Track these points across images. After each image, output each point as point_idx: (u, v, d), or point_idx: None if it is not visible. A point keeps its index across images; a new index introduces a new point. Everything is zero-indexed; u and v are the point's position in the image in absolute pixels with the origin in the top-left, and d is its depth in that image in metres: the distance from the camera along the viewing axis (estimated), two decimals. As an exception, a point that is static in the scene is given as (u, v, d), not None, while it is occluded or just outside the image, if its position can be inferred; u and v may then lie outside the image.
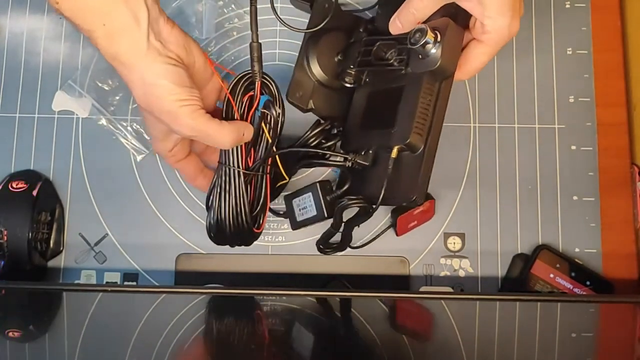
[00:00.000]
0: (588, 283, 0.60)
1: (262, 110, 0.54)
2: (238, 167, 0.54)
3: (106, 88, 0.63)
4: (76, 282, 0.61)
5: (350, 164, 0.54)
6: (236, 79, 0.54)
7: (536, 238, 0.62)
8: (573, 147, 0.63)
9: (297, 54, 0.57)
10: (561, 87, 0.64)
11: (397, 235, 0.61)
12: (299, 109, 0.57)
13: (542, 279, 0.60)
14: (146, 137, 0.63)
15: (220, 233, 0.56)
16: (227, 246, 0.59)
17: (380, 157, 0.53)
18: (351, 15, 0.58)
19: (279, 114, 0.54)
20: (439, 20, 0.49)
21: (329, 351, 0.49)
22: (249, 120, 0.54)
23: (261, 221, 0.57)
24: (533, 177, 0.63)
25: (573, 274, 0.60)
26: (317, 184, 0.56)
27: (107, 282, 0.61)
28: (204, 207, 0.62)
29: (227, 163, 0.54)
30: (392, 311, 0.57)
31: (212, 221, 0.55)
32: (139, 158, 0.63)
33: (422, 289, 0.61)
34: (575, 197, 0.63)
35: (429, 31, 0.48)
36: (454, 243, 0.62)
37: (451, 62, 0.49)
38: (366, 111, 0.56)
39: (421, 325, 0.56)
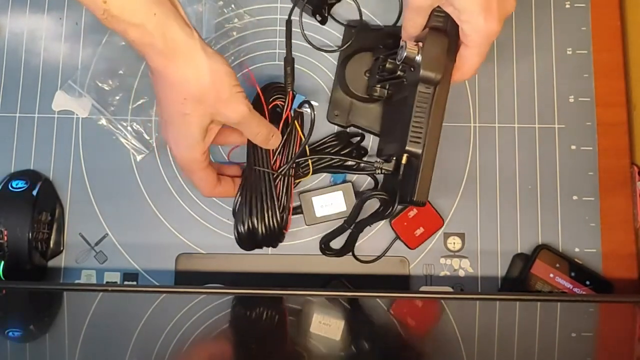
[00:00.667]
0: (588, 283, 0.60)
1: (297, 110, 0.57)
2: (269, 168, 0.56)
3: (106, 88, 0.63)
4: (76, 282, 0.61)
5: (379, 171, 0.57)
6: (264, 86, 0.57)
7: (536, 238, 0.62)
8: (573, 147, 0.63)
9: (298, 54, 0.60)
10: (561, 87, 0.64)
11: (410, 248, 0.62)
12: (339, 126, 0.63)
13: (542, 278, 0.60)
14: (146, 137, 0.63)
15: (251, 237, 0.57)
16: (230, 245, 0.60)
17: (399, 164, 0.56)
18: (376, 32, 0.62)
19: (314, 115, 0.57)
20: (423, 32, 0.52)
21: (329, 351, 0.49)
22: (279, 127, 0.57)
23: (287, 221, 0.58)
24: (533, 177, 0.63)
25: (573, 274, 0.60)
26: (351, 183, 0.61)
27: (107, 282, 0.61)
28: (204, 207, 0.62)
29: (258, 164, 0.56)
30: (391, 310, 0.57)
31: (243, 226, 0.56)
32: (138, 158, 0.63)
33: (422, 288, 0.61)
34: (575, 197, 0.63)
35: (407, 45, 0.51)
36: (454, 243, 0.62)
37: (434, 68, 0.51)
38: (386, 121, 0.60)
39: (420, 325, 0.56)
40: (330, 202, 0.61)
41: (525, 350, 0.48)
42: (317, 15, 0.63)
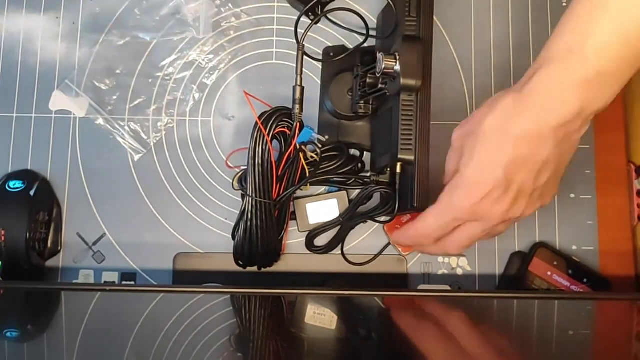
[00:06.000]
0: (585, 281, 0.60)
1: (301, 145, 0.57)
2: (269, 199, 0.56)
3: (103, 88, 0.63)
4: (74, 281, 0.61)
5: (374, 185, 0.58)
6: (270, 112, 0.56)
7: (533, 236, 0.62)
8: (570, 145, 0.63)
9: (293, 53, 0.60)
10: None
11: (402, 254, 0.62)
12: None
13: (539, 276, 0.60)
14: (143, 136, 0.63)
15: (249, 260, 0.59)
16: (228, 244, 0.60)
17: (394, 173, 0.56)
18: (354, 52, 0.62)
19: (319, 152, 0.59)
20: (397, 42, 0.54)
21: (329, 351, 0.49)
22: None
23: (283, 246, 0.60)
24: (531, 214, 0.62)
25: (570, 272, 0.60)
26: (345, 192, 0.61)
27: (105, 282, 0.61)
28: (202, 206, 0.62)
29: (259, 196, 0.56)
30: (390, 309, 0.57)
31: (242, 250, 0.58)
32: (136, 157, 0.63)
33: (420, 287, 0.62)
34: (572, 195, 0.63)
35: (384, 57, 0.52)
36: (452, 241, 0.62)
37: (413, 75, 0.52)
38: (376, 135, 0.61)
39: (417, 324, 0.56)
40: (324, 210, 0.61)
41: (523, 348, 0.48)
42: (310, 14, 0.63)
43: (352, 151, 0.62)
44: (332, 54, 0.63)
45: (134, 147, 0.63)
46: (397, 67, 0.52)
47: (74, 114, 0.63)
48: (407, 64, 0.52)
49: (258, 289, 0.57)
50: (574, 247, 0.62)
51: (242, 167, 0.60)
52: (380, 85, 0.56)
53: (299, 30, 0.58)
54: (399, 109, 0.53)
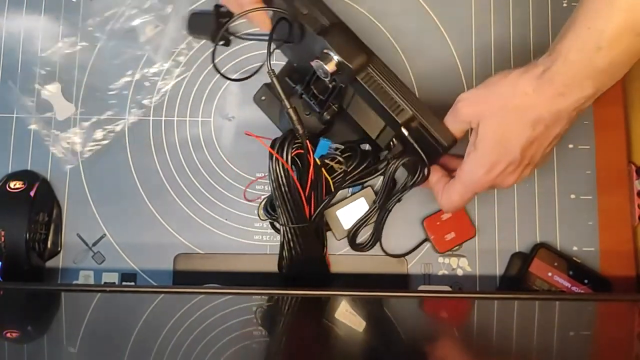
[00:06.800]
0: (586, 281, 0.60)
1: (321, 159, 0.57)
2: (304, 222, 0.57)
3: (47, 93, 0.63)
4: (74, 282, 0.61)
5: (392, 162, 0.57)
6: (281, 139, 0.56)
7: (534, 237, 0.62)
8: (570, 146, 0.63)
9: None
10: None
11: (439, 252, 0.62)
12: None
13: (540, 277, 0.60)
14: (77, 148, 0.62)
15: (299, 280, 0.60)
16: (228, 245, 0.61)
17: (404, 139, 0.56)
18: (282, 81, 0.60)
19: (342, 161, 0.58)
20: (319, 41, 0.53)
21: (328, 351, 0.49)
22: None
23: (328, 260, 0.61)
24: (531, 176, 0.63)
25: (571, 273, 0.60)
26: (370, 187, 0.62)
27: (105, 283, 0.61)
28: (202, 207, 0.62)
29: (293, 222, 0.56)
30: (390, 310, 0.57)
31: (292, 280, 0.59)
32: (67, 168, 0.62)
33: (421, 287, 0.62)
34: (572, 196, 0.63)
35: (321, 58, 0.52)
36: (452, 242, 0.62)
37: (353, 54, 0.52)
38: (360, 121, 0.59)
39: (418, 324, 0.56)
40: (354, 211, 0.61)
41: (523, 349, 0.48)
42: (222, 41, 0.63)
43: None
44: (264, 98, 0.63)
45: (66, 157, 0.62)
46: (337, 58, 0.52)
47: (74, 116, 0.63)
48: (344, 50, 0.52)
49: (258, 290, 0.57)
50: (575, 248, 0.62)
51: (263, 196, 0.61)
52: (331, 85, 0.55)
53: (269, 58, 0.54)
54: (364, 89, 0.53)
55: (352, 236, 0.61)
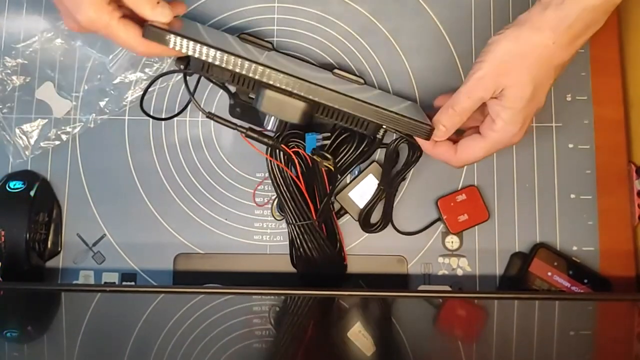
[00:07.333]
0: (586, 281, 0.60)
1: (314, 153, 0.57)
2: (310, 219, 0.57)
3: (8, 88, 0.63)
4: (74, 282, 0.61)
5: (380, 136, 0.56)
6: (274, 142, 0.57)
7: (534, 236, 0.62)
8: (570, 145, 0.63)
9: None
10: (558, 85, 0.64)
11: (451, 232, 0.62)
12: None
13: (540, 277, 0.60)
14: (29, 143, 0.62)
15: (315, 277, 0.60)
16: (228, 245, 0.61)
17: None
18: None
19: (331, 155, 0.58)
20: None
21: (328, 350, 0.49)
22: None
23: (343, 252, 0.61)
24: (530, 176, 0.63)
25: (571, 272, 0.60)
26: (375, 162, 0.62)
27: (105, 283, 0.61)
28: (202, 207, 0.62)
29: (300, 219, 0.57)
30: (390, 310, 0.57)
31: (308, 277, 0.59)
32: (12, 160, 0.62)
33: (421, 287, 0.62)
34: (572, 196, 0.63)
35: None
36: (452, 242, 0.62)
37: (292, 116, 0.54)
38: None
39: (419, 324, 0.56)
40: (366, 189, 0.61)
41: (523, 348, 0.48)
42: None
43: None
44: (238, 109, 0.60)
45: (17, 151, 0.62)
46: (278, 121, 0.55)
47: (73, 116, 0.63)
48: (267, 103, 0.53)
49: (258, 289, 0.57)
50: (575, 248, 0.62)
51: (272, 197, 0.61)
52: (233, 101, 0.58)
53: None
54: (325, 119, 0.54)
55: (364, 217, 0.61)
